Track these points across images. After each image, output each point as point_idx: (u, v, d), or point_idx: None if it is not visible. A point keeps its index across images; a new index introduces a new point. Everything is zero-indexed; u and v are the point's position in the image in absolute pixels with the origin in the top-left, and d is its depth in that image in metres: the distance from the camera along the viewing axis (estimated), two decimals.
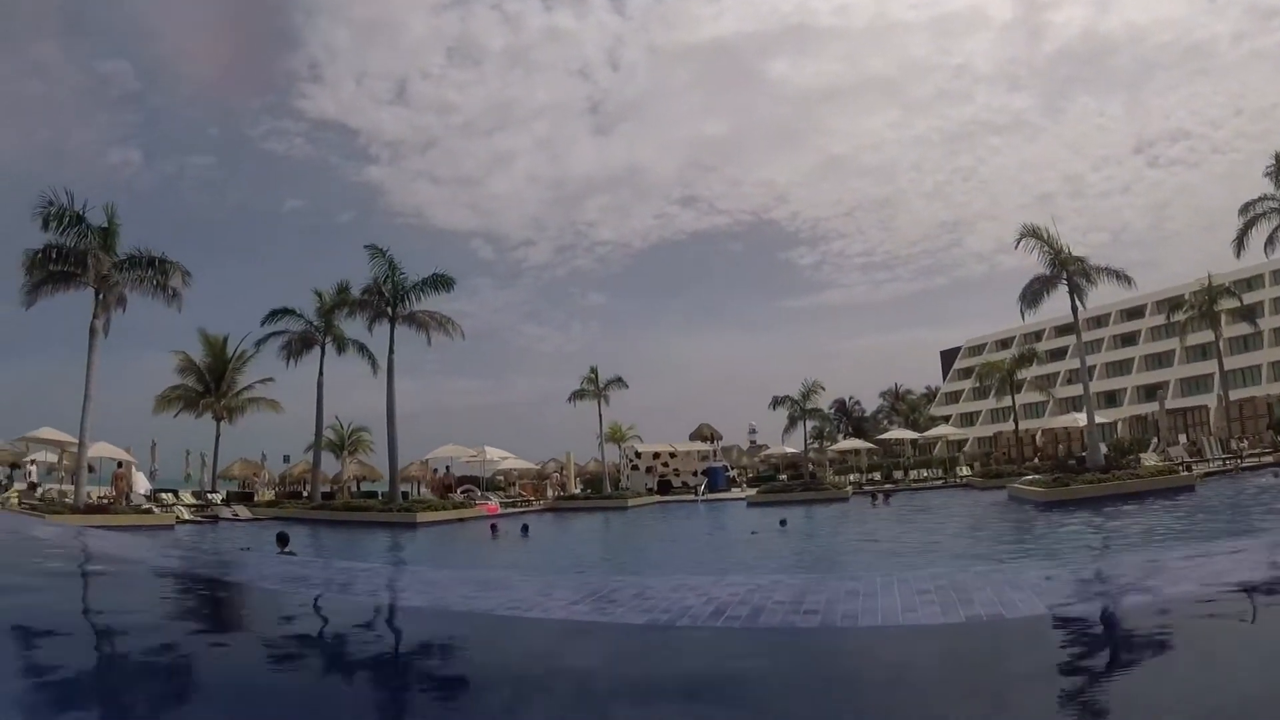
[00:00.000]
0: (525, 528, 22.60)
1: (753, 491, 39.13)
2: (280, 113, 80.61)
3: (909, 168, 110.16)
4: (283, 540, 12.73)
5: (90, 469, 25.36)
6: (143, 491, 26.30)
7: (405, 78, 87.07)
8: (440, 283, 30.07)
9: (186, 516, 25.17)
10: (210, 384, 33.24)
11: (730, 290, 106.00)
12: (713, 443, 51.18)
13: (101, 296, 23.67)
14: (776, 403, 41.44)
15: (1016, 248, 28.31)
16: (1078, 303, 27.94)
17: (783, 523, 20.80)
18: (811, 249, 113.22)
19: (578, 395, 39.26)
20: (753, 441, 60.38)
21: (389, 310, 29.70)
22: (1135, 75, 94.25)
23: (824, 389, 42.68)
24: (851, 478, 43.64)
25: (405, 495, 31.22)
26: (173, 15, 67.64)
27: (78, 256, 23.30)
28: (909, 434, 51.01)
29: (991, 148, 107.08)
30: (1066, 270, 27.35)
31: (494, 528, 22.56)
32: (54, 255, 23.14)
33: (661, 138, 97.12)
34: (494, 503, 32.12)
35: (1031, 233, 27.59)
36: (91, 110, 64.31)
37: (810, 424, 42.06)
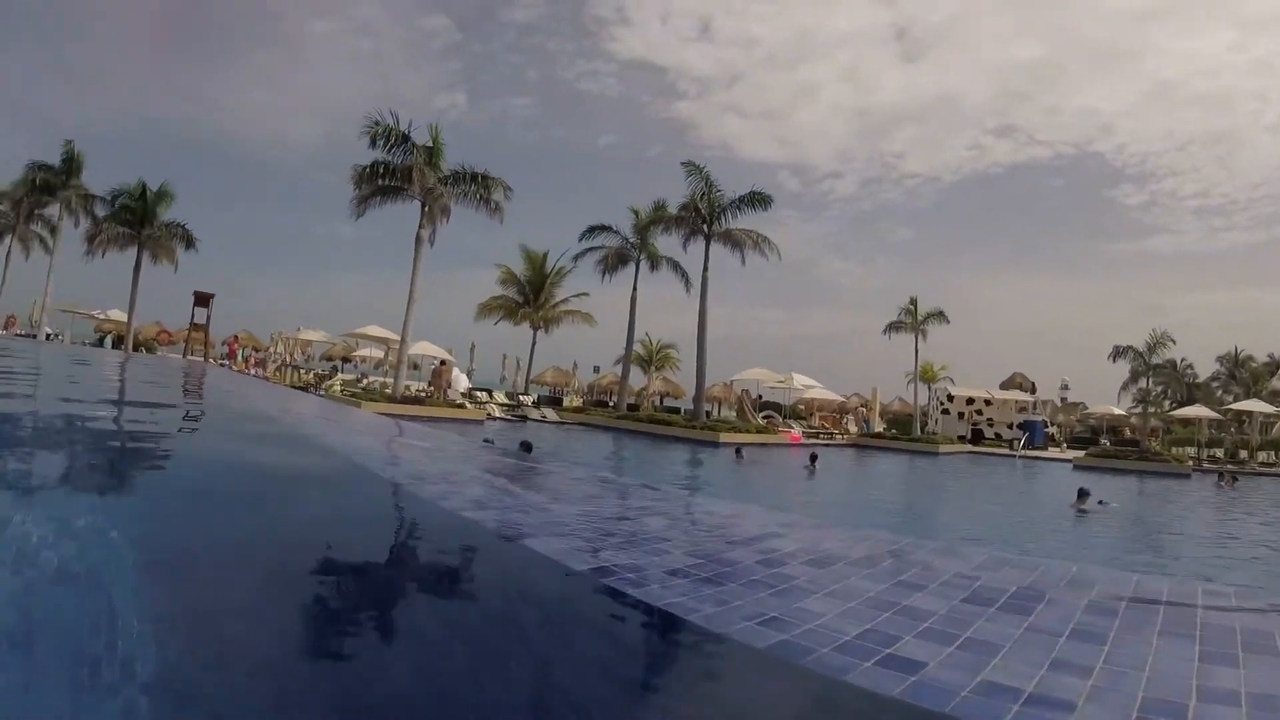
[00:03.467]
0: (814, 457, 20.50)
1: (1078, 453, 33.47)
2: (592, 55, 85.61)
3: (1249, 96, 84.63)
4: (526, 448, 12.51)
5: (415, 366, 28.27)
6: (461, 389, 28.71)
7: (709, 14, 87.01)
8: (757, 200, 28.93)
9: (497, 414, 27.15)
10: (529, 295, 35.30)
11: (1046, 230, 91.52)
12: (1034, 393, 44.47)
13: (426, 208, 25.64)
14: (1117, 354, 35.30)
15: None
16: None
17: (1101, 502, 15.45)
18: (1139, 187, 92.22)
19: (893, 327, 36.06)
20: (1064, 398, 51.97)
21: (705, 227, 29.41)
22: None
23: (1174, 341, 34.77)
24: (1190, 451, 36.01)
25: (708, 414, 31.17)
26: None
27: (404, 171, 25.31)
28: (1265, 407, 39.23)
29: None
30: None
31: (814, 458, 20.39)
32: (381, 170, 25.32)
33: (972, 63, 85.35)
34: (797, 430, 30.78)
35: None
36: (418, 61, 74.00)
37: (1155, 382, 34.87)
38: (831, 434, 34.28)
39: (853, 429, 36.14)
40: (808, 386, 37.23)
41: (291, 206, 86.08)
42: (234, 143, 79.08)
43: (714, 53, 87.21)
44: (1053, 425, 44.40)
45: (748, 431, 28.27)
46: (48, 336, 33.09)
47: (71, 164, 32.99)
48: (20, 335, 34.80)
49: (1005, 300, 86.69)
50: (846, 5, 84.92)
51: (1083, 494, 14.95)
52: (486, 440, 14.52)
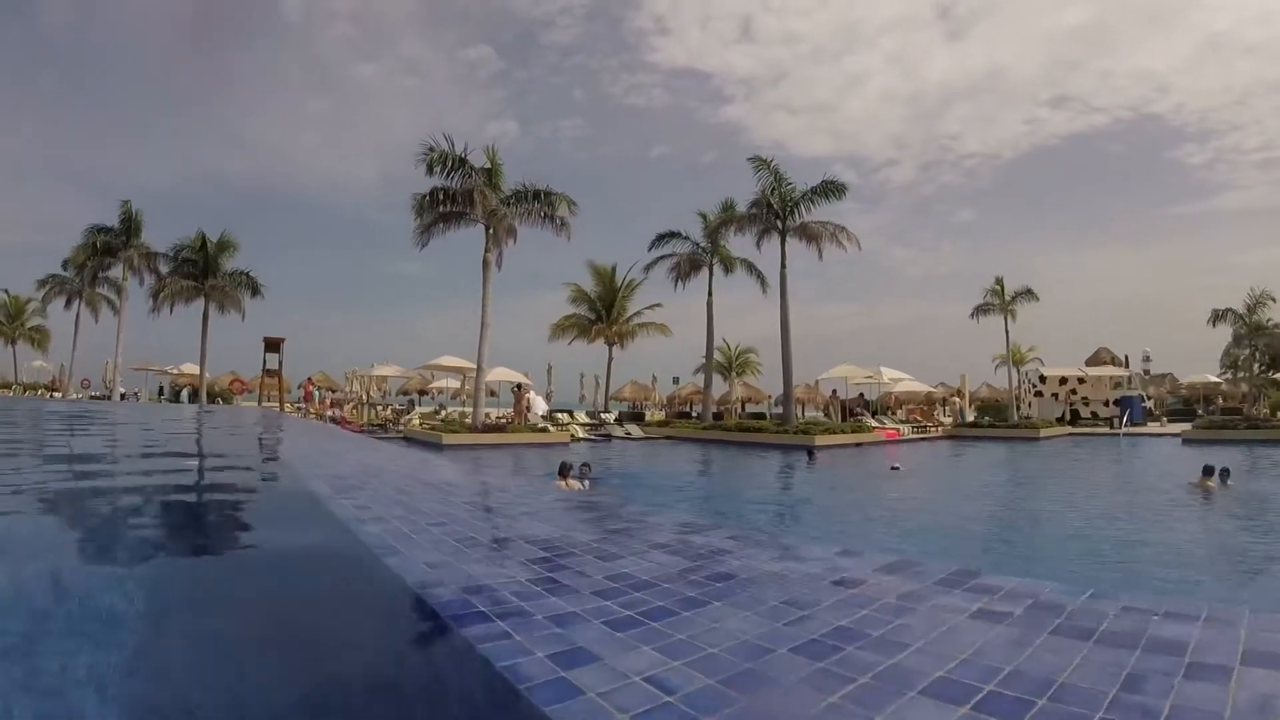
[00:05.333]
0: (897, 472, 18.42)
1: (1183, 426, 31.69)
2: (635, 68, 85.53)
3: None
4: (564, 470, 11.86)
5: (491, 393, 27.59)
6: (540, 412, 28.00)
7: (748, 14, 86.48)
8: (830, 190, 27.87)
9: (581, 435, 26.34)
10: (601, 311, 34.66)
11: (1111, 199, 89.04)
12: (1128, 367, 42.31)
13: (491, 231, 25.01)
14: (1217, 317, 33.17)
15: None
16: None
17: (1224, 473, 13.76)
18: (1201, 145, 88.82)
19: (981, 310, 34.48)
20: (1146, 370, 49.93)
21: (778, 223, 28.34)
22: None
23: (1274, 299, 32.75)
24: None
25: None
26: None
27: (464, 195, 24.64)
28: None
29: None
30: None
31: (894, 468, 18.70)
32: (441, 197, 24.67)
33: (1018, 34, 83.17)
34: (893, 427, 29.45)
35: None
36: (465, 93, 74.66)
37: (1257, 345, 32.86)
38: (925, 427, 32.84)
39: (946, 420, 34.62)
40: (896, 380, 35.69)
41: (354, 248, 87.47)
42: (291, 190, 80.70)
43: (757, 52, 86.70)
44: (1149, 399, 42.24)
45: (842, 432, 26.98)
46: (122, 396, 33.29)
47: (130, 224, 33.26)
48: (95, 397, 35.14)
49: (1075, 275, 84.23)
50: None
51: (1217, 471, 13.48)
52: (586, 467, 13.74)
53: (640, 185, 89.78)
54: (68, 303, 36.19)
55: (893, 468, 18.28)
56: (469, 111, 77.17)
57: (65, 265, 35.54)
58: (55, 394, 37.05)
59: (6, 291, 41.95)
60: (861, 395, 35.60)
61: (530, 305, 73.35)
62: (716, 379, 35.88)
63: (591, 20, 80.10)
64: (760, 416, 34.97)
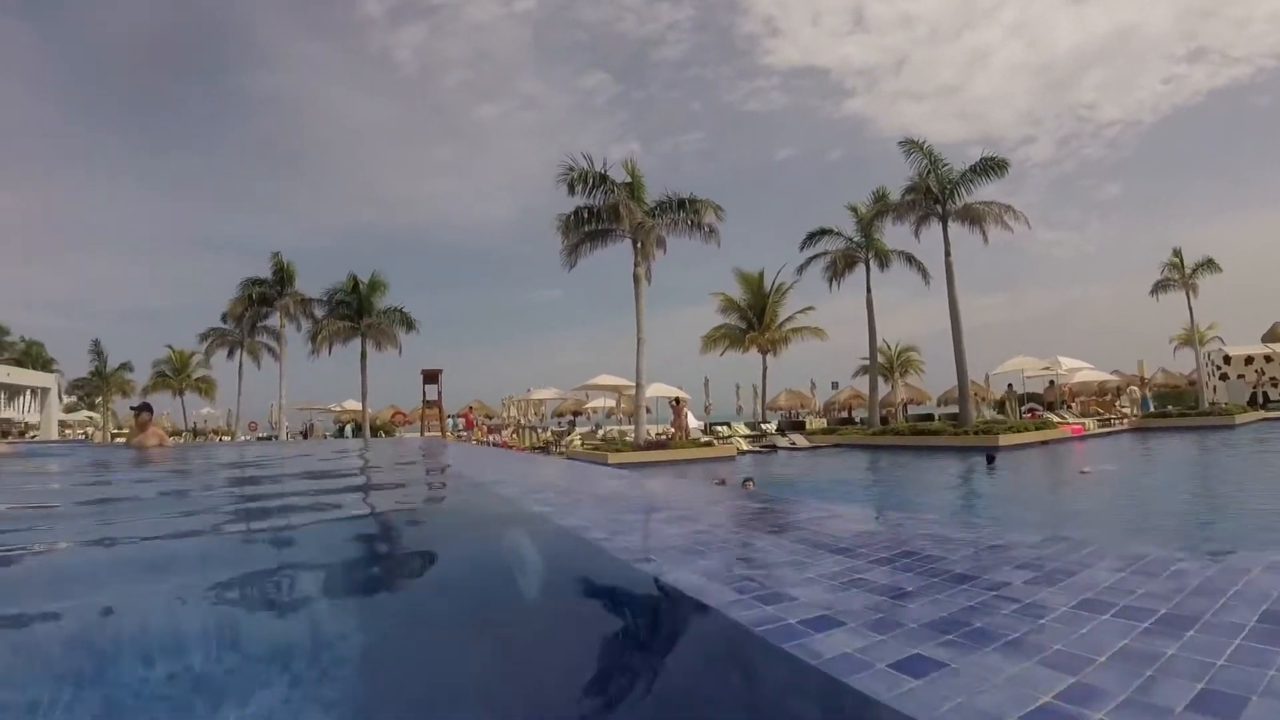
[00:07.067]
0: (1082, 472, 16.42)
1: None
2: (751, 74, 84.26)
3: None
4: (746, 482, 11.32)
5: (647, 409, 27.20)
6: (693, 426, 27.42)
7: (859, 4, 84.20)
8: (991, 167, 25.96)
9: (745, 447, 25.55)
10: (752, 319, 33.69)
11: (1262, 156, 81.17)
12: None
13: (639, 244, 24.67)
14: None
15: None
16: None
17: None
18: None
19: (1161, 286, 31.68)
20: None
21: (938, 207, 26.63)
22: None
23: None
24: None
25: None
26: (625, 13, 74.74)
27: (609, 211, 24.41)
28: None
29: None
30: None
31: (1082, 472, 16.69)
32: (586, 215, 24.55)
33: None
34: (1075, 422, 27.24)
35: None
36: (585, 120, 75.86)
37: None
38: (1108, 420, 30.16)
39: (1128, 410, 31.67)
40: (1074, 370, 32.97)
41: (493, 280, 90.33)
42: (426, 232, 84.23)
43: (873, 41, 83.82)
44: None
45: (1025, 430, 25.03)
46: (289, 435, 34.95)
47: (283, 274, 34.99)
48: (262, 437, 37.08)
49: (1233, 241, 77.18)
50: None
51: None
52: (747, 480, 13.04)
53: (768, 190, 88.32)
54: (230, 352, 38.43)
55: (1081, 472, 16.13)
56: (591, 138, 78.48)
57: (224, 318, 37.79)
58: (225, 438, 39.37)
59: (171, 347, 45.13)
60: (1053, 383, 33.14)
61: (673, 321, 73.20)
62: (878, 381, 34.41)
63: (700, 31, 79.77)
64: (927, 418, 33.02)
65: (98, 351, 44.40)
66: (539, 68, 79.68)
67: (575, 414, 37.26)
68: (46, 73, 59.21)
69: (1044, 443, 24.05)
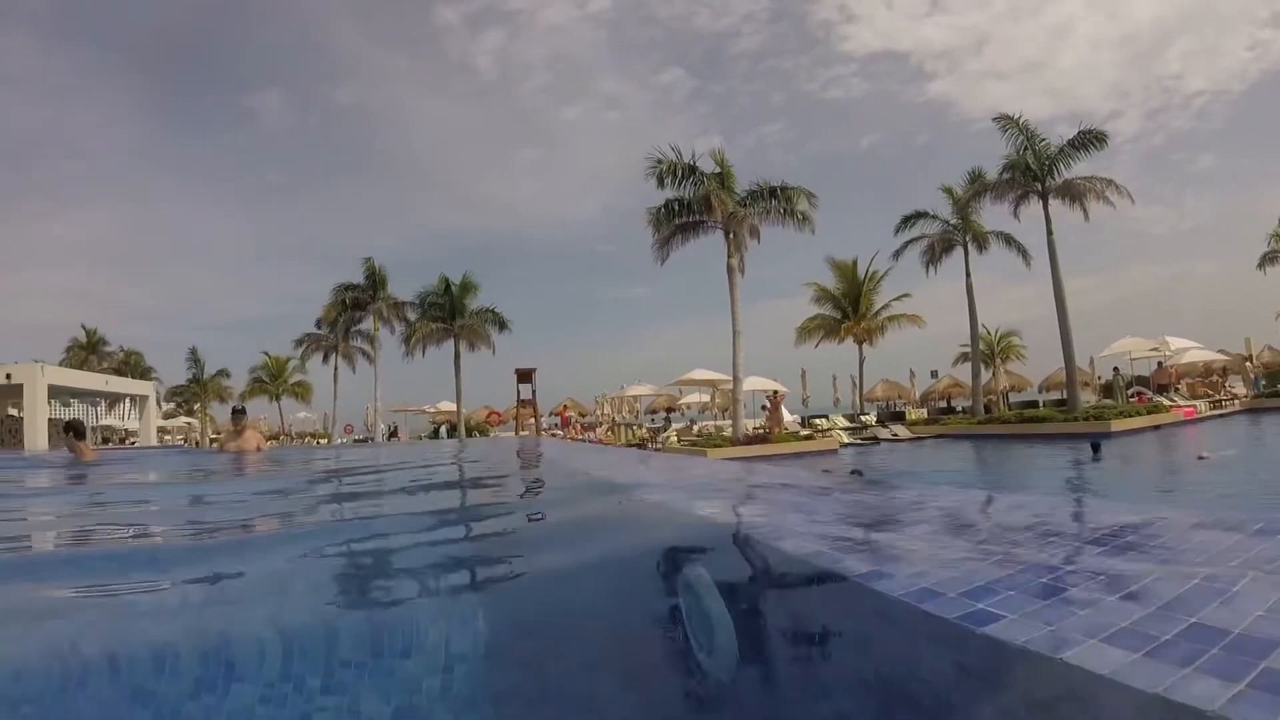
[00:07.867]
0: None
1: None
2: (829, 61, 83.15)
3: None
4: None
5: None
6: (787, 419, 27.05)
7: None
8: (1090, 140, 24.97)
9: (846, 440, 25.08)
10: (847, 309, 33.00)
11: None
12: None
13: (731, 235, 24.43)
14: None
15: None
16: None
17: None
18: None
19: (1268, 259, 29.80)
20: None
21: (1037, 184, 25.78)
22: None
23: None
24: None
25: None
26: (699, 8, 74.83)
27: (699, 203, 24.24)
28: None
29: None
30: None
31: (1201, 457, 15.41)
32: (676, 208, 24.41)
33: None
34: (1187, 404, 25.94)
35: None
36: (666, 117, 76.00)
37: None
38: (1219, 401, 28.50)
39: (1240, 390, 29.90)
40: (1184, 349, 31.30)
41: (582, 280, 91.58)
42: (516, 235, 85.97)
43: (951, 21, 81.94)
44: None
45: (1138, 415, 23.86)
46: (384, 437, 36.00)
47: (375, 278, 36.00)
48: (359, 440, 38.30)
49: None
50: None
51: None
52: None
53: (855, 178, 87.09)
54: (325, 357, 39.79)
55: (1200, 457, 14.90)
56: (673, 134, 78.07)
57: (318, 324, 39.15)
58: (322, 441, 40.83)
59: (267, 354, 46.99)
60: (1167, 365, 31.47)
61: (762, 315, 72.59)
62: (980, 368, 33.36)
63: (776, 22, 78.99)
64: (1031, 405, 31.79)
65: (195, 359, 45.77)
66: (617, 67, 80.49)
67: (669, 410, 37.20)
68: (138, 93, 62.69)
69: (1156, 427, 22.99)
